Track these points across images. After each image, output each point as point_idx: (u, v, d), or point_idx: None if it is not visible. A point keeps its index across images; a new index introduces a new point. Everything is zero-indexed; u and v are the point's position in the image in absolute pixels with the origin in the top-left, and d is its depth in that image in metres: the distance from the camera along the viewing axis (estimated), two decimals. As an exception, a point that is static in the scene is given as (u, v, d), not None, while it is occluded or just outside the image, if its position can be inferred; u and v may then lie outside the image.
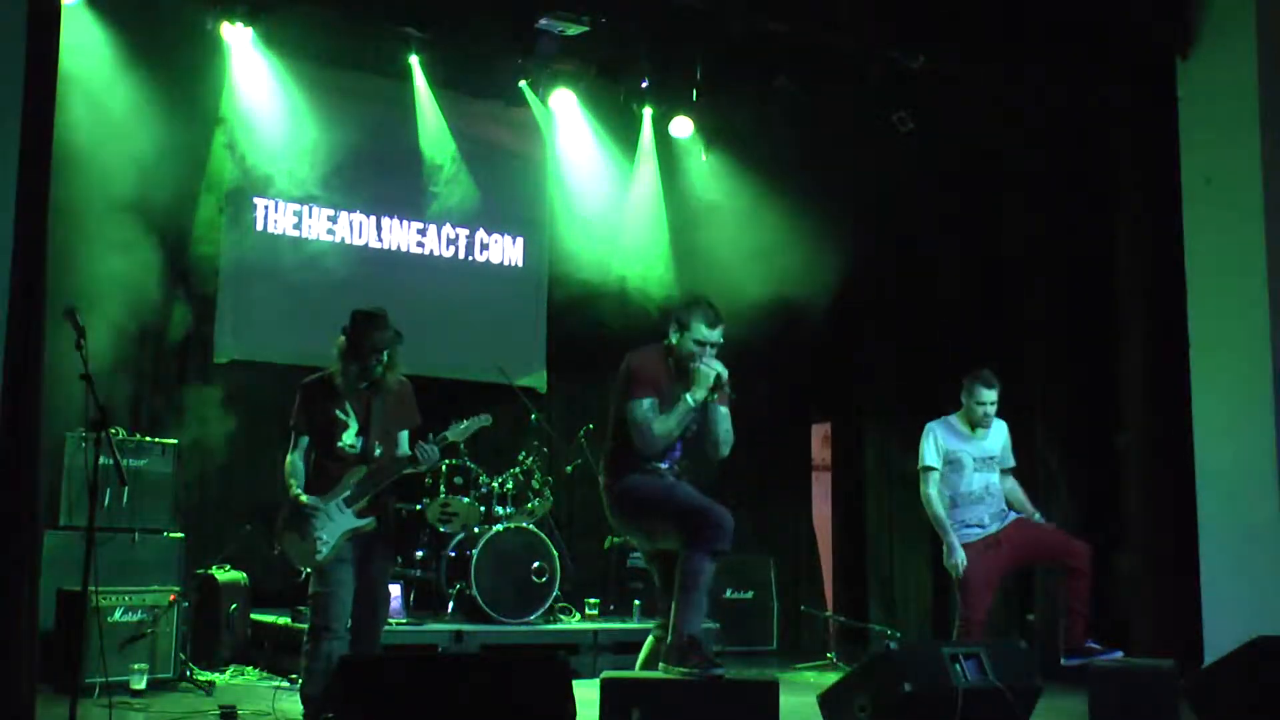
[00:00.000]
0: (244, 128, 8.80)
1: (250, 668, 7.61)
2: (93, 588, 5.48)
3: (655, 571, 5.46)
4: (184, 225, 8.56)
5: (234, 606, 7.70)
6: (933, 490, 6.33)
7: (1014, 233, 9.45)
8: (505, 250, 10.06)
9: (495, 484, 8.55)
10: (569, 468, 9.24)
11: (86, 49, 7.83)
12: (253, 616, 7.85)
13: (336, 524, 5.39)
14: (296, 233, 9.17)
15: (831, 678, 6.97)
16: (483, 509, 8.46)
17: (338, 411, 5.50)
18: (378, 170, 9.48)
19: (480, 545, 8.02)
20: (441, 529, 8.43)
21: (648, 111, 9.89)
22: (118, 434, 7.26)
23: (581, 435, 9.03)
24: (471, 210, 9.83)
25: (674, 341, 5.32)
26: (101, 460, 5.43)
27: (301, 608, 6.89)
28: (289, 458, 5.55)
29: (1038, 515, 6.56)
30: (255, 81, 8.77)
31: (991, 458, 6.42)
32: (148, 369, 8.51)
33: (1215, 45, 7.85)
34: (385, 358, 5.52)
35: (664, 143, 10.15)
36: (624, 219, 10.18)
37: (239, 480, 8.50)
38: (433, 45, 9.03)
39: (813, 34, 8.35)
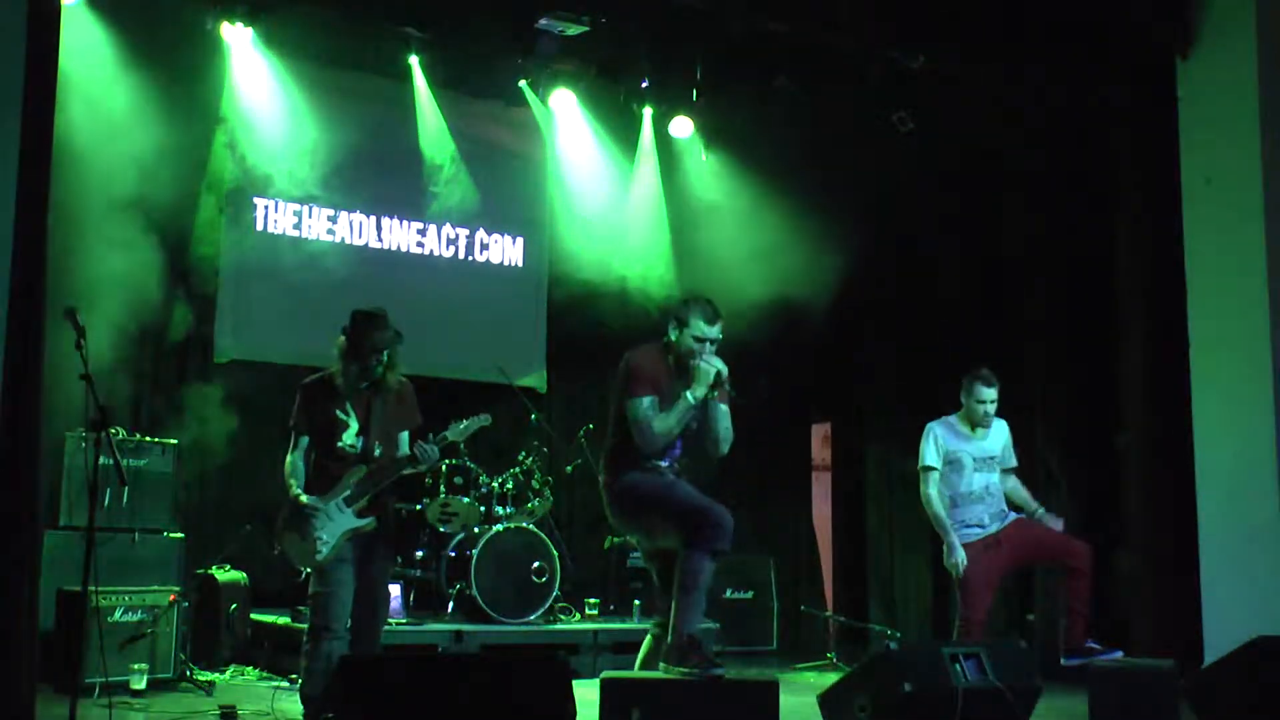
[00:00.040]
0: (244, 127, 8.81)
1: (250, 668, 7.61)
2: (93, 588, 5.48)
3: (654, 570, 5.46)
4: (184, 225, 8.56)
5: (234, 606, 7.70)
6: (932, 490, 6.33)
7: (1014, 233, 9.45)
8: (505, 250, 10.06)
9: (495, 484, 8.56)
10: (569, 468, 9.25)
11: (86, 49, 7.83)
12: (253, 616, 7.85)
13: (336, 524, 5.39)
14: (296, 233, 9.17)
15: (831, 678, 6.97)
16: (483, 509, 8.46)
17: (338, 411, 5.50)
18: (378, 170, 9.48)
19: (480, 545, 8.02)
20: (441, 529, 8.44)
21: (648, 111, 9.89)
22: (118, 434, 7.26)
23: (581, 435, 9.03)
24: (471, 210, 9.84)
25: (673, 339, 5.33)
26: (101, 460, 5.44)
27: (301, 608, 6.89)
28: (289, 458, 5.55)
29: (1040, 510, 6.54)
30: (255, 81, 8.78)
31: (992, 458, 6.42)
32: (148, 369, 8.52)
33: (1215, 45, 7.85)
34: (385, 358, 5.52)
35: (664, 143, 10.15)
36: (624, 219, 10.18)
37: (239, 480, 8.49)
38: (433, 45, 9.03)
39: (813, 34, 8.36)
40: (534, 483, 8.77)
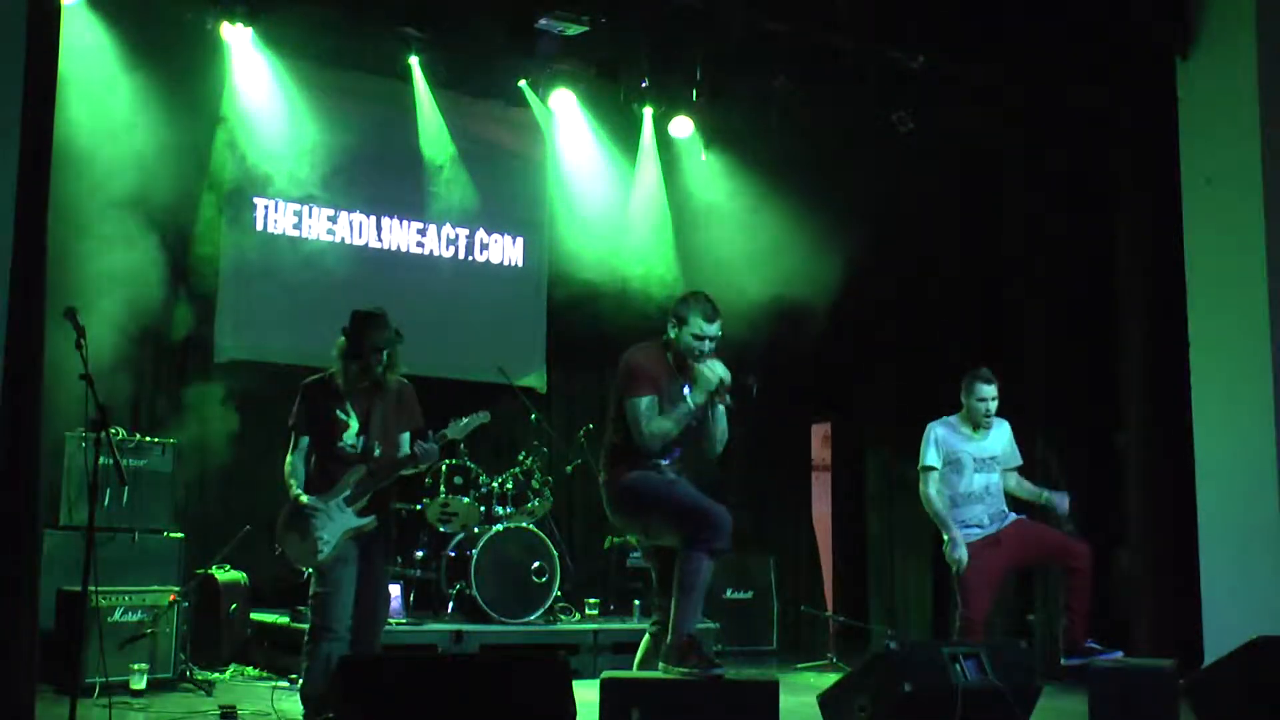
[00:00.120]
0: (244, 127, 8.80)
1: (250, 668, 7.61)
2: (93, 588, 5.47)
3: (653, 568, 5.47)
4: (184, 225, 8.55)
5: (234, 606, 7.70)
6: (932, 490, 6.33)
7: (1014, 233, 9.45)
8: (505, 250, 10.06)
9: (495, 484, 8.56)
10: (569, 468, 9.24)
11: (86, 49, 7.83)
12: (253, 616, 7.85)
13: (337, 523, 5.39)
14: (296, 233, 9.17)
15: (831, 678, 6.97)
16: (483, 509, 8.46)
17: (338, 411, 5.51)
18: (378, 170, 9.48)
19: (480, 545, 8.02)
20: (441, 529, 8.44)
21: (648, 111, 9.89)
22: (118, 434, 7.26)
23: (581, 435, 9.03)
24: (471, 210, 9.83)
25: (672, 336, 5.33)
26: (101, 460, 5.44)
27: (301, 608, 6.90)
28: (289, 458, 5.55)
29: (1046, 494, 6.50)
30: (255, 81, 8.77)
31: (992, 458, 6.42)
32: (148, 369, 8.52)
33: (1215, 45, 7.85)
34: (385, 358, 5.52)
35: (664, 143, 10.14)
36: (624, 219, 10.17)
37: (239, 480, 8.49)
38: (433, 45, 9.03)
39: (813, 34, 8.36)
40: (534, 483, 8.77)
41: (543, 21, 8.45)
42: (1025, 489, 6.54)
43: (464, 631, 7.79)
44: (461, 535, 8.37)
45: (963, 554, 6.22)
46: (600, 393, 9.15)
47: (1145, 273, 8.43)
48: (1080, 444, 8.94)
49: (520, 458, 8.82)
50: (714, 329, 5.29)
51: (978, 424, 6.41)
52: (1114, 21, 8.06)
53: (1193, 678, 6.05)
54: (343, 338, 5.53)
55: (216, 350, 8.77)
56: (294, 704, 5.96)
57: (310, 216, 9.22)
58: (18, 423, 5.33)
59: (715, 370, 5.22)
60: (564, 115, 9.89)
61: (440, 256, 9.77)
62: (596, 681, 5.02)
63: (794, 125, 9.36)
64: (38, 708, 5.45)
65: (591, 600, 8.84)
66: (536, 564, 8.17)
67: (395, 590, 7.71)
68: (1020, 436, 6.64)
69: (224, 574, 7.77)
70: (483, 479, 8.54)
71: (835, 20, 8.15)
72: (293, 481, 5.49)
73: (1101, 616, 7.12)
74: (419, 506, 8.44)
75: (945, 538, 6.31)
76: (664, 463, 5.30)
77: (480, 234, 9.94)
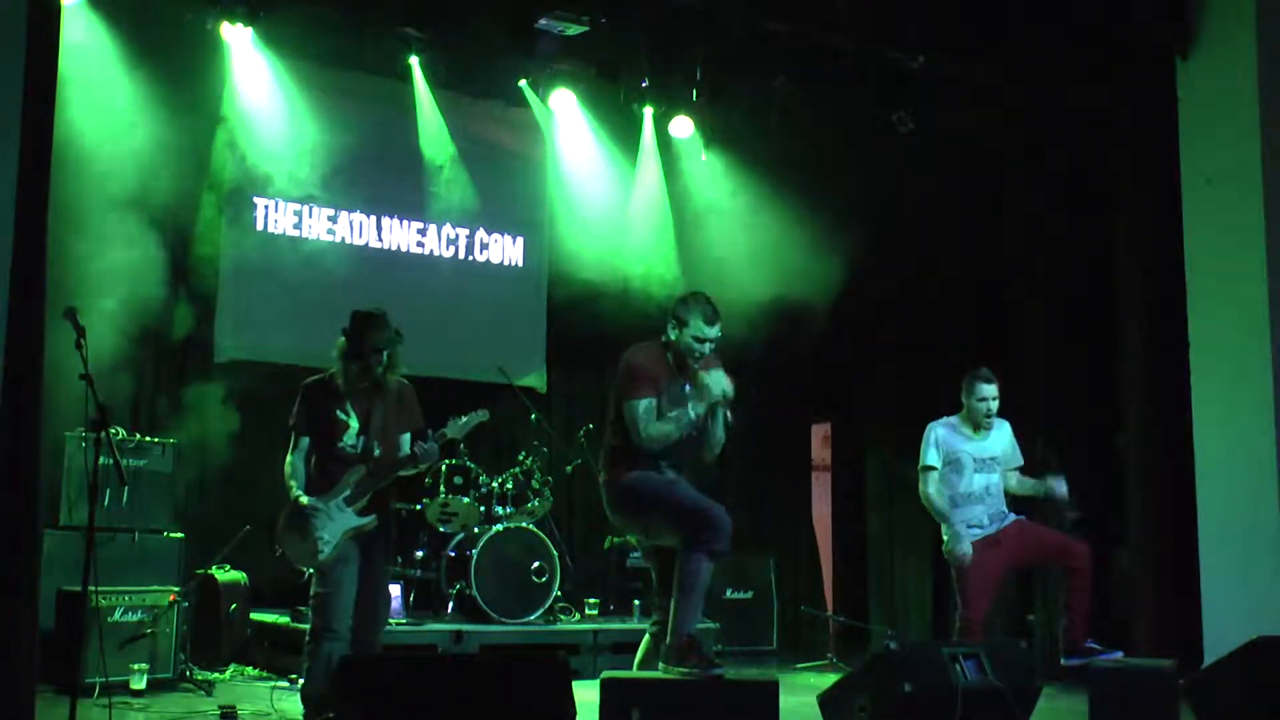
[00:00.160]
0: (244, 128, 8.80)
1: (250, 668, 7.61)
2: (93, 588, 5.47)
3: (653, 568, 5.47)
4: (185, 225, 8.55)
5: (234, 606, 7.70)
6: (932, 489, 6.33)
7: (1014, 233, 9.45)
8: (505, 250, 10.06)
9: (495, 484, 8.56)
10: (569, 468, 9.24)
11: (87, 49, 7.83)
12: (253, 616, 7.85)
13: (337, 523, 5.39)
14: (296, 232, 9.17)
15: (831, 678, 6.97)
16: (483, 509, 8.46)
17: (338, 412, 5.51)
18: (378, 170, 9.48)
19: (480, 545, 8.02)
20: (441, 529, 8.44)
21: (648, 111, 9.88)
22: (118, 434, 7.25)
23: (581, 435, 9.03)
24: (471, 210, 9.83)
25: (672, 338, 5.33)
26: (101, 460, 5.44)
27: (302, 608, 6.90)
28: (289, 459, 5.55)
29: (1046, 483, 6.47)
30: (255, 81, 8.77)
31: (992, 458, 6.41)
32: (148, 369, 8.52)
33: (1215, 45, 7.85)
34: (385, 358, 5.52)
35: (664, 143, 10.14)
36: (624, 219, 10.17)
37: (239, 480, 8.49)
38: (433, 46, 9.02)
39: (813, 34, 8.36)
40: (534, 483, 8.77)
41: (543, 21, 8.45)
42: (1026, 485, 6.53)
43: (464, 631, 7.79)
44: (461, 535, 8.37)
45: (966, 548, 6.22)
46: (600, 393, 9.14)
47: (1145, 273, 8.43)
48: (1080, 444, 8.94)
49: (520, 458, 8.82)
50: (714, 331, 5.30)
51: (979, 424, 6.41)
52: (1114, 21, 8.06)
53: (1193, 678, 6.05)
54: (343, 338, 5.53)
55: (216, 350, 8.76)
56: (294, 704, 5.97)
57: (310, 216, 9.23)
58: (18, 423, 5.33)
59: (719, 383, 5.22)
60: (564, 115, 9.89)
61: (440, 256, 9.77)
62: (596, 681, 5.02)
63: (794, 125, 9.36)
64: (38, 708, 5.44)
65: (591, 600, 8.84)
66: (536, 564, 8.17)
67: (395, 590, 7.70)
68: (1020, 436, 6.64)
69: (224, 574, 7.77)
70: (483, 479, 8.54)
71: (835, 20, 8.15)
72: (293, 483, 5.48)
73: (1101, 616, 7.12)
74: (419, 506, 8.44)
75: (945, 536, 6.32)
76: (664, 463, 5.31)
77: (480, 234, 9.94)
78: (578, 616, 8.62)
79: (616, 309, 9.64)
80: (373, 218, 9.51)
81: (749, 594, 9.34)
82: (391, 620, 7.11)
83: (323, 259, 9.14)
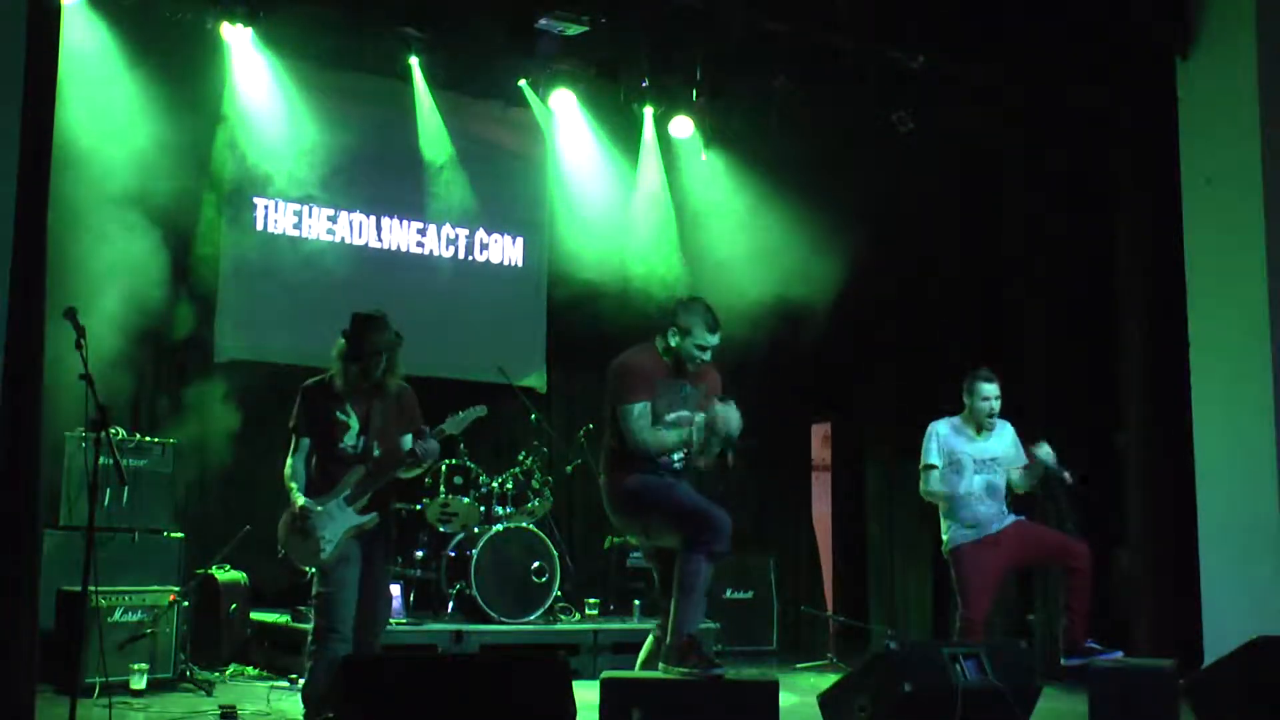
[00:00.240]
0: (244, 127, 8.80)
1: (250, 668, 7.61)
2: (93, 588, 5.47)
3: (656, 570, 5.48)
4: (185, 225, 8.55)
5: (234, 606, 7.70)
6: (933, 487, 6.34)
7: (1014, 233, 9.45)
8: (505, 250, 10.06)
9: (495, 484, 8.56)
10: (569, 468, 9.24)
11: (86, 49, 7.83)
12: (253, 616, 7.85)
13: (339, 522, 5.40)
14: (296, 232, 9.17)
15: (831, 678, 6.97)
16: (483, 509, 8.46)
17: (338, 413, 5.50)
18: (378, 170, 9.48)
19: (480, 545, 8.02)
20: (441, 529, 8.44)
21: (648, 111, 9.88)
22: (118, 434, 7.26)
23: (581, 435, 9.03)
24: (471, 210, 9.83)
25: (673, 344, 5.35)
26: (101, 460, 5.44)
27: (302, 608, 6.90)
28: (289, 460, 5.55)
29: (1038, 460, 6.45)
30: (255, 81, 8.77)
31: (993, 459, 6.41)
32: (148, 369, 8.51)
33: (1215, 45, 7.85)
34: (385, 360, 5.51)
35: (664, 143, 10.14)
36: (624, 219, 10.17)
37: (239, 480, 8.49)
38: (432, 46, 9.02)
39: (813, 34, 8.36)
40: (534, 483, 8.77)
41: (543, 21, 8.44)
42: (1025, 479, 6.49)
43: (464, 631, 7.79)
44: (461, 535, 8.37)
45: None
46: (600, 392, 9.14)
47: (1145, 273, 8.43)
48: (1080, 444, 8.93)
49: (520, 458, 8.82)
50: (715, 339, 5.36)
51: (981, 425, 6.40)
52: (1114, 21, 8.06)
53: (1193, 678, 6.05)
54: (342, 340, 5.53)
55: (216, 350, 8.76)
56: (293, 704, 5.97)
57: (310, 216, 9.22)
58: (18, 423, 5.33)
59: (730, 422, 5.23)
60: (564, 115, 9.88)
61: (440, 256, 9.77)
62: (596, 681, 5.02)
63: (794, 125, 9.36)
64: (38, 708, 5.45)
65: (591, 600, 8.84)
66: (536, 564, 8.17)
67: (395, 590, 7.70)
68: (1022, 436, 6.63)
69: (224, 574, 7.77)
70: (483, 479, 8.54)
71: (835, 20, 8.15)
72: (293, 485, 5.48)
73: (1101, 616, 7.12)
74: (419, 506, 8.44)
75: (945, 535, 6.33)
76: (664, 464, 5.31)
77: (480, 234, 9.94)
78: (578, 616, 8.62)
79: (616, 309, 9.63)
80: (372, 218, 9.50)
81: (749, 594, 9.34)
82: (392, 620, 7.10)
83: (322, 259, 9.14)
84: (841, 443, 10.96)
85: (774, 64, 8.86)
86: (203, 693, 6.81)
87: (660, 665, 5.07)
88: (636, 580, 9.02)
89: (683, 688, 4.92)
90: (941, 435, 6.40)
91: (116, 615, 6.77)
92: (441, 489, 8.44)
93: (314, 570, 5.49)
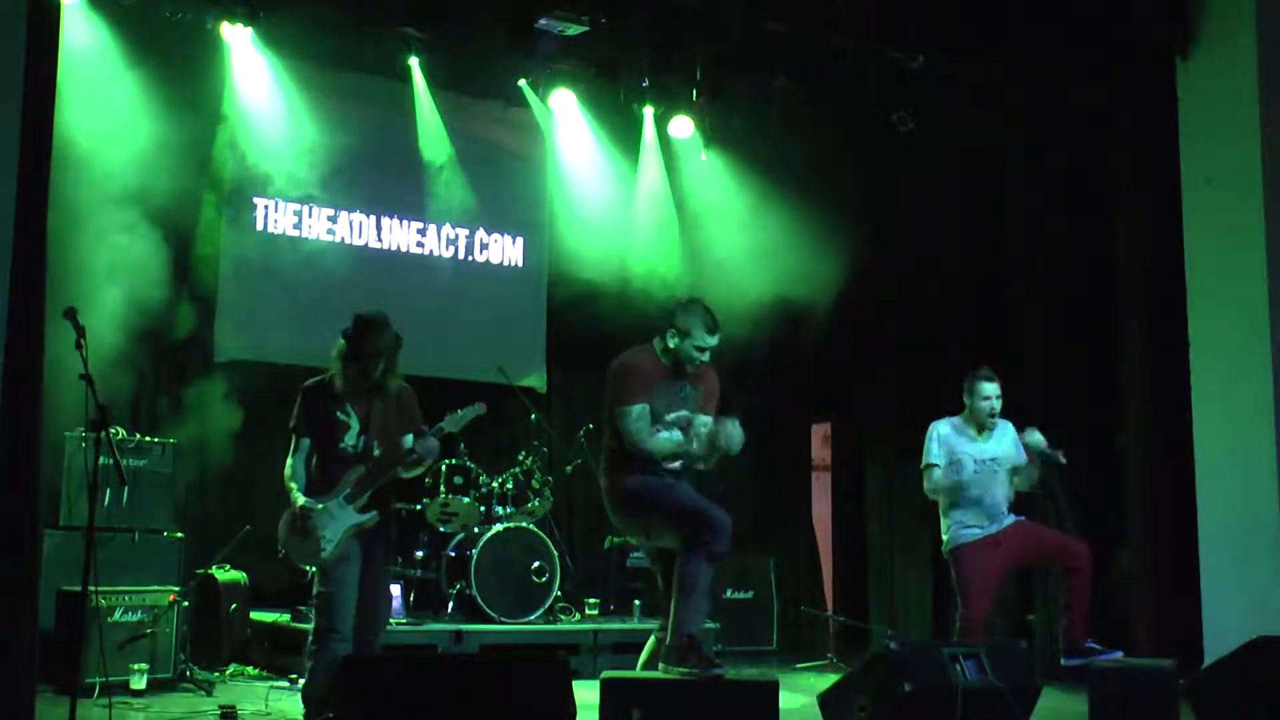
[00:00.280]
0: (244, 127, 8.79)
1: (250, 668, 7.61)
2: (93, 588, 5.47)
3: (657, 570, 5.48)
4: (185, 225, 8.55)
5: (234, 606, 7.70)
6: (936, 484, 6.34)
7: (1014, 233, 9.45)
8: (505, 250, 10.06)
9: (495, 484, 8.56)
10: (569, 468, 9.24)
11: (87, 49, 7.83)
12: (253, 616, 7.85)
13: (339, 521, 5.40)
14: (296, 232, 9.17)
15: (831, 678, 6.97)
16: (483, 509, 8.46)
17: (339, 413, 5.51)
18: (377, 170, 9.48)
19: (480, 545, 8.02)
20: (441, 529, 8.44)
21: (648, 111, 9.88)
22: (118, 434, 7.25)
23: (581, 435, 9.03)
24: (471, 210, 9.83)
25: (672, 345, 5.36)
26: (101, 460, 5.43)
27: (303, 608, 6.90)
28: (289, 461, 5.55)
29: (1034, 448, 6.46)
30: (255, 81, 8.77)
31: (993, 459, 6.40)
32: (148, 368, 8.51)
33: (1215, 45, 7.85)
34: (385, 362, 5.51)
35: (664, 143, 10.14)
36: (624, 219, 10.17)
37: (239, 480, 8.49)
38: (432, 46, 9.02)
39: (813, 34, 8.36)
40: (534, 483, 8.77)
41: (543, 21, 8.44)
42: (1027, 476, 6.49)
43: (464, 631, 7.79)
44: (461, 535, 8.36)
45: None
46: (600, 393, 9.14)
47: (1145, 273, 8.43)
48: (1080, 444, 8.92)
49: (520, 458, 8.82)
50: (714, 341, 5.38)
51: (982, 425, 6.41)
52: (1114, 21, 8.06)
53: (1193, 678, 6.05)
54: (342, 340, 5.52)
55: (216, 350, 8.76)
56: (292, 704, 5.96)
57: (310, 216, 9.22)
58: (18, 423, 5.34)
59: (733, 439, 5.26)
60: (564, 115, 9.88)
61: (440, 256, 9.77)
62: (596, 681, 5.02)
63: (794, 125, 9.36)
64: (38, 708, 5.45)
65: (591, 600, 8.84)
66: (536, 564, 8.17)
67: (395, 590, 7.70)
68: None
69: (224, 574, 7.76)
70: (483, 479, 8.54)
71: (835, 20, 8.15)
72: (293, 486, 5.48)
73: (1101, 616, 7.12)
74: (419, 506, 8.44)
75: (944, 535, 6.33)
76: (663, 465, 5.32)
77: (480, 234, 9.94)
78: (578, 616, 8.62)
79: (616, 309, 9.63)
80: (372, 218, 9.50)
81: (749, 594, 9.34)
82: (392, 620, 7.11)
83: (322, 259, 9.13)
84: (841, 443, 10.96)
85: (774, 64, 8.86)
86: (203, 693, 6.81)
87: (660, 665, 5.07)
88: (636, 580, 9.02)
89: (683, 688, 4.92)
90: (942, 435, 6.40)
91: (116, 615, 6.76)
92: (441, 489, 8.44)
93: (314, 570, 5.49)
